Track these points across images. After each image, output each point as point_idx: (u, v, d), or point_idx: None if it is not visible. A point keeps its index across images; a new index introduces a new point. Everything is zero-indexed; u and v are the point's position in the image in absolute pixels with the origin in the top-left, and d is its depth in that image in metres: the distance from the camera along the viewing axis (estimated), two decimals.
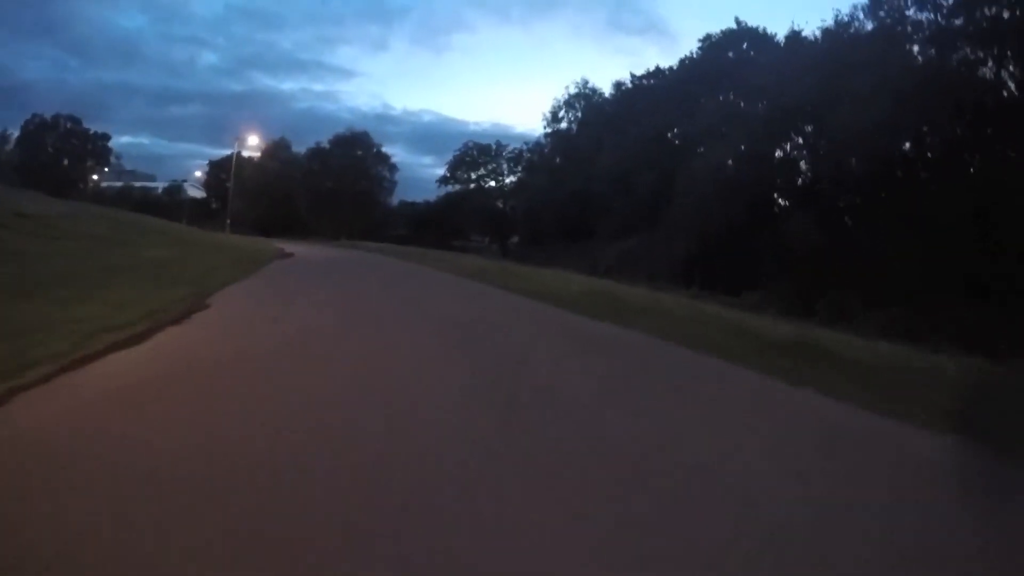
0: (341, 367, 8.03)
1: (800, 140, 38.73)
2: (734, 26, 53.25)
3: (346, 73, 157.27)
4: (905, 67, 31.52)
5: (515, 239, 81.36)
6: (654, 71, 62.10)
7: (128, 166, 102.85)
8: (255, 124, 70.38)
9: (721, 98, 49.39)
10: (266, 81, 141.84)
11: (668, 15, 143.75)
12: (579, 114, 73.32)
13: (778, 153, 40.34)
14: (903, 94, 29.35)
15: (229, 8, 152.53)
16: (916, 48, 33.39)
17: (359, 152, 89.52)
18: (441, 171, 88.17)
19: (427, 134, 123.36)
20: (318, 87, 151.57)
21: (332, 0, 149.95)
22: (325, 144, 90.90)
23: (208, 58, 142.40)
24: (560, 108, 74.59)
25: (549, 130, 75.86)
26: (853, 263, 29.12)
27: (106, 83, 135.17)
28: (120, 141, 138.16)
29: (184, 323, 10.35)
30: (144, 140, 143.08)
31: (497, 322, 13.50)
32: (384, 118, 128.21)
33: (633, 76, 64.17)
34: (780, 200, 39.69)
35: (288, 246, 43.99)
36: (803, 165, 39.58)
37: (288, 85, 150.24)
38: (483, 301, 18.16)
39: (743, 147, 39.72)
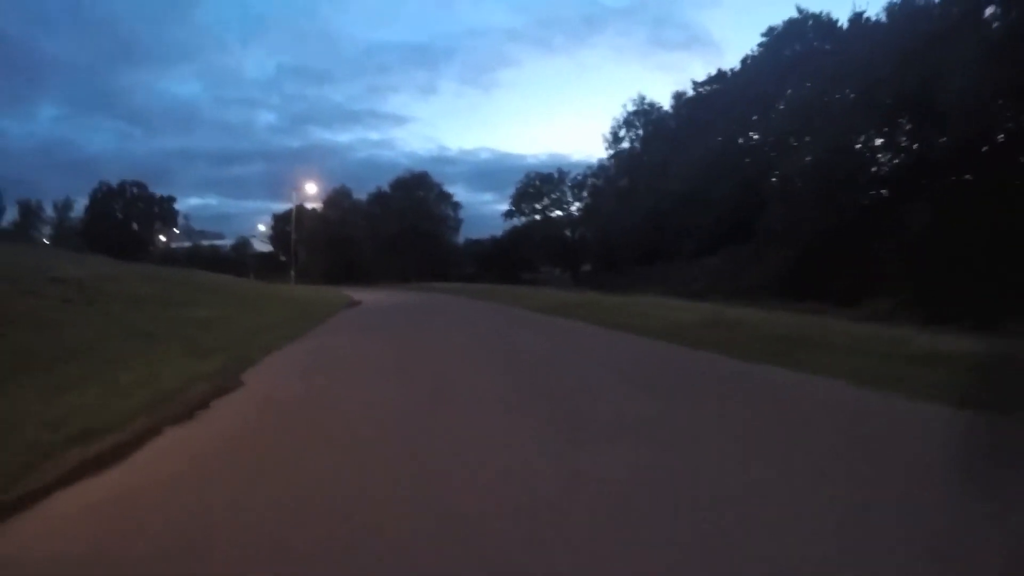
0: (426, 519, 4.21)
1: (902, 123, 34.23)
2: (795, 15, 49.21)
3: (399, 119, 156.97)
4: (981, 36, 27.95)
5: (586, 267, 77.68)
6: (716, 75, 58.20)
7: (197, 226, 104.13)
8: (315, 176, 69.20)
9: (791, 92, 45.75)
10: (323, 135, 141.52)
11: (710, 26, 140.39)
12: (640, 132, 69.37)
13: (878, 140, 36.10)
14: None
15: (280, 69, 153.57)
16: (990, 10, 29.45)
17: (420, 193, 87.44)
18: (503, 207, 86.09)
19: (485, 171, 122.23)
20: (373, 136, 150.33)
21: (378, 51, 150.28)
22: (386, 188, 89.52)
23: (265, 117, 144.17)
24: (620, 128, 70.85)
25: (611, 151, 72.22)
26: (983, 253, 25.32)
27: (169, 149, 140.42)
28: (188, 203, 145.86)
29: (194, 419, 7.40)
30: (211, 201, 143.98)
31: (627, 377, 10.16)
32: (441, 160, 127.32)
33: (695, 83, 60.21)
34: (884, 192, 35.03)
35: (356, 293, 41.83)
36: (904, 151, 35.02)
37: (344, 136, 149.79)
38: (587, 347, 14.77)
39: (834, 140, 35.83)
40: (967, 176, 30.32)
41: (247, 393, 9.07)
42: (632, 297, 29.59)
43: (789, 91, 46.06)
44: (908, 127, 33.48)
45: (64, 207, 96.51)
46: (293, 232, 65.42)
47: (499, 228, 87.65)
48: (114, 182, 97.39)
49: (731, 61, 58.37)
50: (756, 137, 50.02)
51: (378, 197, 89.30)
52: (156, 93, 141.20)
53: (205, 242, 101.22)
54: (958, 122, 28.19)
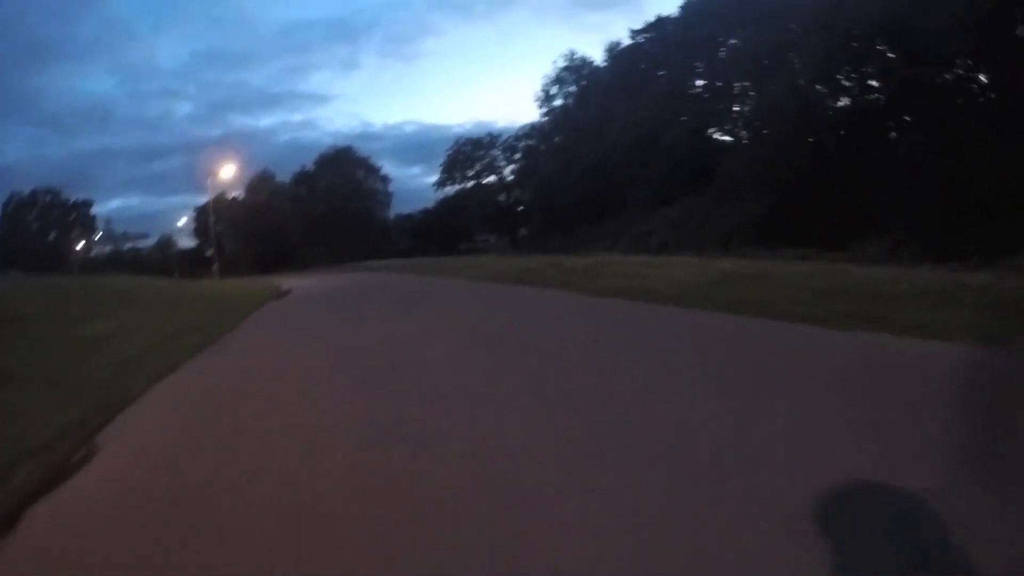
0: None
1: (880, 51, 31.59)
2: None
3: (321, 98, 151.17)
4: None
5: (523, 232, 74.34)
6: (655, 22, 54.13)
7: (121, 229, 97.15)
8: (235, 162, 63.78)
9: (742, 33, 42.42)
10: (244, 120, 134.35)
11: None
12: (572, 88, 66.00)
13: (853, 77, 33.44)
14: None
15: (194, 55, 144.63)
16: None
17: (346, 169, 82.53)
18: (432, 179, 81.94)
19: (412, 144, 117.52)
20: (296, 117, 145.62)
21: (296, 29, 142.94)
22: (310, 167, 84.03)
23: (182, 108, 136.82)
24: (552, 85, 67.39)
25: (544, 110, 68.54)
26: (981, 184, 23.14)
27: (86, 151, 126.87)
28: (110, 206, 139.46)
29: None
30: (134, 201, 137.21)
31: (734, 381, 6.59)
32: (366, 136, 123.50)
33: (632, 31, 56.33)
34: (864, 126, 32.34)
35: (286, 281, 37.62)
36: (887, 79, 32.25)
37: (266, 121, 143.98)
38: (599, 326, 11.38)
39: (802, 81, 33.31)
40: (959, 102, 28.08)
41: (92, 479, 5.43)
42: (594, 257, 26.54)
43: (738, 33, 42.90)
44: (889, 55, 30.91)
45: None
46: (212, 223, 60.79)
47: (430, 201, 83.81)
48: (30, 191, 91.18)
49: (653, 18, 54.79)
50: (703, 83, 47.02)
51: (302, 177, 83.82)
52: (68, 93, 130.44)
53: (128, 245, 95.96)
54: (944, 46, 26.04)
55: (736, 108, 43.32)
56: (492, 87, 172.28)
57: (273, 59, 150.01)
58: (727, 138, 44.56)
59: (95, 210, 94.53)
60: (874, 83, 31.94)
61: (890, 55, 30.37)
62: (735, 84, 42.67)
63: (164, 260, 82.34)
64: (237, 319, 18.34)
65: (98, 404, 7.88)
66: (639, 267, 19.35)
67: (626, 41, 57.99)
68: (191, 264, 78.36)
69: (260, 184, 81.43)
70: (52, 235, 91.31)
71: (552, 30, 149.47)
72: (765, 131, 35.23)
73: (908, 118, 29.96)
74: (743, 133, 42.03)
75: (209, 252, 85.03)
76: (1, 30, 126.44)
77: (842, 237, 25.09)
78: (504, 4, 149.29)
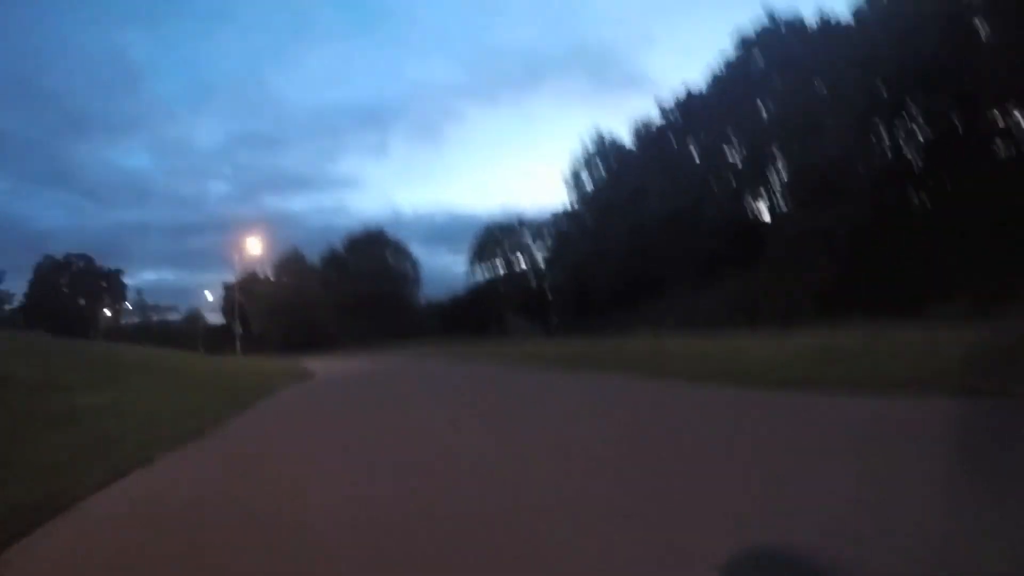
0: None
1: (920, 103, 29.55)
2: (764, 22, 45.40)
3: (351, 182, 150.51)
4: None
5: (554, 318, 71.17)
6: (684, 98, 53.03)
7: (151, 300, 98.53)
8: (265, 239, 62.58)
9: (782, 92, 40.88)
10: (276, 202, 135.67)
11: (647, 66, 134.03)
12: (601, 172, 64.80)
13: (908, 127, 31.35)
14: None
15: (229, 137, 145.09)
16: None
17: (377, 251, 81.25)
18: (459, 264, 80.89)
19: (440, 230, 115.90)
20: (327, 201, 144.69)
21: (327, 114, 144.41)
22: (340, 248, 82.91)
23: (217, 187, 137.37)
24: (580, 168, 66.61)
25: (573, 193, 67.68)
26: None
27: (122, 223, 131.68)
28: (142, 277, 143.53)
29: None
30: (167, 275, 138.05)
31: None
32: (396, 222, 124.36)
33: (663, 109, 55.37)
34: (912, 181, 30.04)
35: (313, 362, 35.42)
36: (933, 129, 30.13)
37: (297, 203, 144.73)
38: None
39: (841, 134, 31.28)
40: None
41: None
42: (644, 339, 24.19)
43: (770, 98, 41.77)
44: (929, 108, 28.90)
45: None
46: (236, 299, 58.87)
47: (457, 286, 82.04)
48: (64, 255, 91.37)
49: (671, 97, 53.98)
50: (739, 152, 45.24)
51: (332, 258, 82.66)
52: (107, 166, 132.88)
53: (157, 317, 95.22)
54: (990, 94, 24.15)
55: (773, 175, 41.38)
56: (517, 171, 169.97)
57: (305, 142, 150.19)
58: (764, 206, 42.61)
59: (127, 280, 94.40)
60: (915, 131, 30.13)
61: (929, 103, 28.51)
62: (770, 150, 40.92)
63: (191, 334, 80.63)
64: (243, 405, 15.31)
65: (22, 505, 5.45)
66: (711, 347, 16.83)
67: (654, 117, 57.17)
68: (217, 340, 75.64)
69: (289, 264, 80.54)
70: (82, 301, 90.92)
71: (574, 111, 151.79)
72: (807, 196, 32.93)
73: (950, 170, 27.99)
74: (780, 200, 39.96)
75: (238, 330, 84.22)
76: (46, 102, 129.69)
77: (918, 301, 22.58)
78: (526, 90, 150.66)
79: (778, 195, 41.92)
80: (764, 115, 42.69)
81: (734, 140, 45.57)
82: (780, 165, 41.01)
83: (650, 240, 46.49)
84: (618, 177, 58.72)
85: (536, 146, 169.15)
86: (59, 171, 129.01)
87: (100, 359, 23.93)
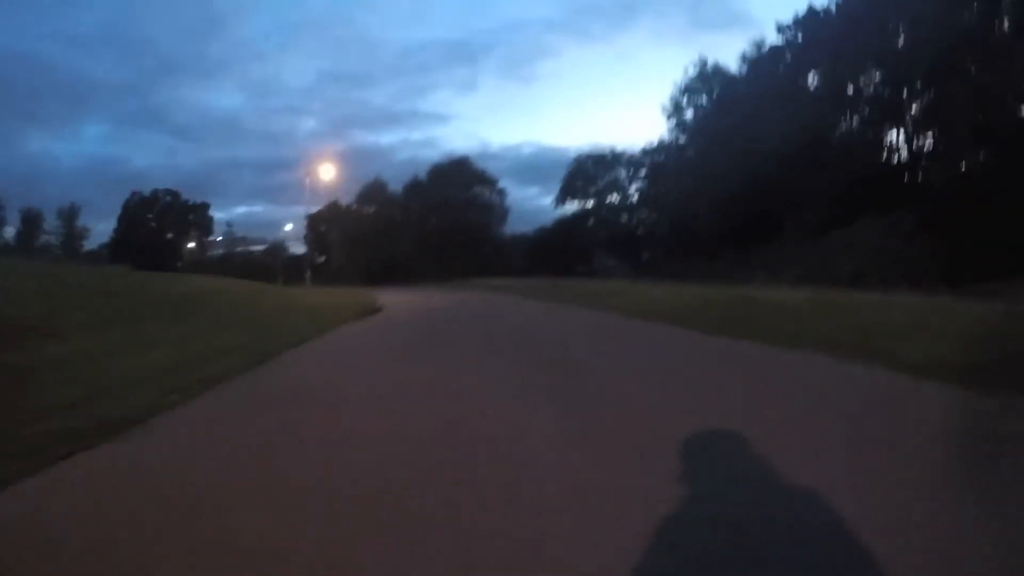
0: None
1: None
2: None
3: (440, 117, 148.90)
4: None
5: (646, 256, 65.75)
6: (806, 17, 45.77)
7: (241, 233, 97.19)
8: (353, 175, 59.32)
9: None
10: (365, 137, 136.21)
11: (748, 4, 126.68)
12: (703, 99, 57.92)
13: None
14: None
15: (320, 75, 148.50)
16: None
17: (462, 181, 75.77)
18: (549, 199, 74.83)
19: (529, 165, 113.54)
20: (416, 135, 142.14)
21: (416, 51, 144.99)
22: (422, 177, 77.77)
23: (306, 124, 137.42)
24: (682, 95, 59.09)
25: (673, 122, 60.35)
26: None
27: (215, 161, 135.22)
28: (236, 212, 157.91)
29: None
30: (258, 208, 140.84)
31: None
32: (484, 156, 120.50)
33: (782, 27, 48.10)
34: None
35: (385, 296, 31.76)
36: None
37: (387, 138, 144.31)
38: None
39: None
40: None
41: None
42: (775, 289, 18.71)
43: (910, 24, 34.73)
44: None
45: (69, 215, 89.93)
46: (312, 230, 55.18)
47: (546, 223, 76.65)
48: (151, 191, 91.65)
49: (771, 38, 47.07)
50: (877, 81, 38.38)
51: (415, 187, 77.35)
52: (199, 107, 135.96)
53: (241, 248, 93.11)
54: None
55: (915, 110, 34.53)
56: (609, 109, 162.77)
57: (394, 79, 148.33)
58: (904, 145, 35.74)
59: (219, 215, 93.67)
60: None
61: None
62: (911, 80, 34.21)
63: (273, 265, 77.90)
64: (288, 344, 12.64)
65: None
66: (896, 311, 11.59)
67: (770, 38, 50.49)
68: (298, 270, 72.83)
69: (372, 193, 76.69)
70: (169, 235, 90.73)
71: (670, 51, 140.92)
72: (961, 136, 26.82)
73: None
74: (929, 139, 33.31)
75: (320, 259, 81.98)
76: (139, 48, 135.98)
77: None
78: (621, 26, 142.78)
79: (926, 134, 35.17)
80: (901, 40, 35.93)
81: (867, 67, 38.81)
82: (924, 99, 34.13)
83: (765, 178, 40.36)
84: (725, 107, 51.58)
85: (630, 85, 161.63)
86: (152, 113, 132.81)
87: (152, 293, 20.39)
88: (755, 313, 13.05)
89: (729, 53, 69.24)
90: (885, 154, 36.75)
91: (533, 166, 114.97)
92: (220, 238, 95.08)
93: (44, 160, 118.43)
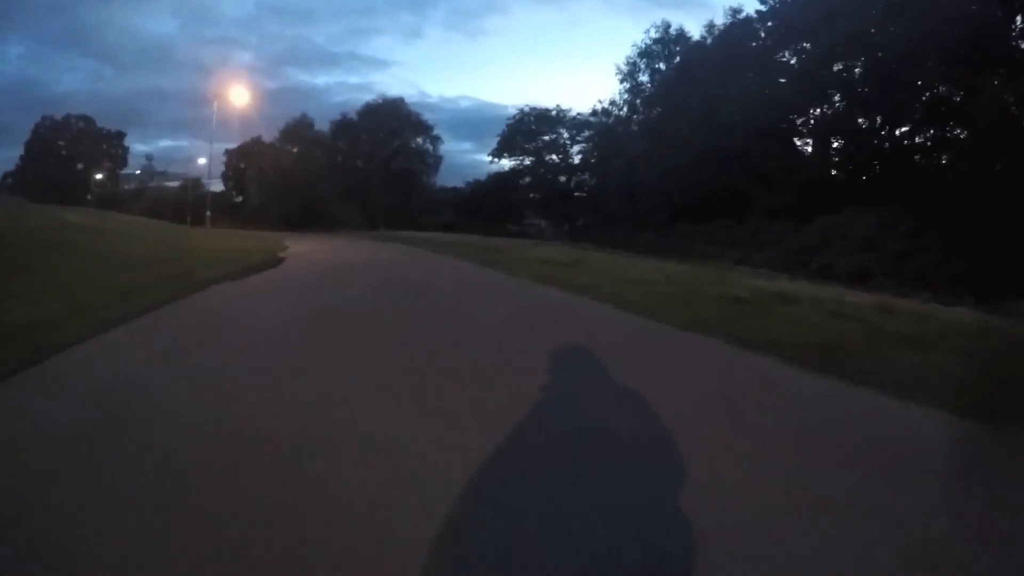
0: None
1: None
2: None
3: (380, 63, 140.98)
4: None
5: (580, 221, 62.50)
6: None
7: (161, 167, 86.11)
8: (248, 93, 52.46)
9: None
10: (301, 76, 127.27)
11: None
12: (661, 65, 53.93)
13: None
14: None
15: (260, 6, 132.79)
16: None
17: (394, 124, 68.52)
18: (482, 157, 69.66)
19: (466, 120, 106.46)
20: (353, 79, 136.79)
21: None
22: (352, 116, 70.12)
23: (241, 57, 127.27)
24: (639, 58, 55.25)
25: (626, 86, 56.30)
26: None
27: (142, 89, 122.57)
28: (160, 144, 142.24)
29: None
30: (184, 143, 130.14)
31: None
32: (420, 106, 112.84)
33: None
34: None
35: (299, 243, 27.80)
36: None
37: (323, 79, 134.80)
38: None
39: None
40: None
41: None
42: (765, 278, 14.65)
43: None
44: None
45: None
46: (224, 166, 49.27)
47: (479, 178, 71.21)
48: (63, 115, 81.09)
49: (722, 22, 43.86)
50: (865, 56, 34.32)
51: (343, 127, 69.88)
52: (129, 31, 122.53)
53: (154, 183, 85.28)
54: None
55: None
56: (554, 73, 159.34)
57: (337, 18, 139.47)
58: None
59: (141, 147, 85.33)
60: None
61: None
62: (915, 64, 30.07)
63: (188, 201, 71.74)
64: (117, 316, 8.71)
65: None
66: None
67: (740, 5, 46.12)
68: (215, 210, 66.92)
69: (297, 131, 69.29)
70: (80, 165, 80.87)
71: (621, 23, 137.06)
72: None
73: None
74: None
75: (238, 198, 75.52)
76: None
77: None
78: None
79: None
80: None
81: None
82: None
83: (730, 150, 36.47)
84: (688, 73, 46.80)
85: (577, 52, 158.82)
86: (78, 34, 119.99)
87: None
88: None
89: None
90: (875, 140, 32.90)
91: (470, 121, 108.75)
92: (138, 171, 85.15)
93: None
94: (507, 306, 10.76)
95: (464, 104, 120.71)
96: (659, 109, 49.24)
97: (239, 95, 43.72)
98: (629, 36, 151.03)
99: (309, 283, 14.41)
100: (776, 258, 25.47)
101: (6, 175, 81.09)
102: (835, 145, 35.52)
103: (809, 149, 37.69)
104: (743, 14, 45.36)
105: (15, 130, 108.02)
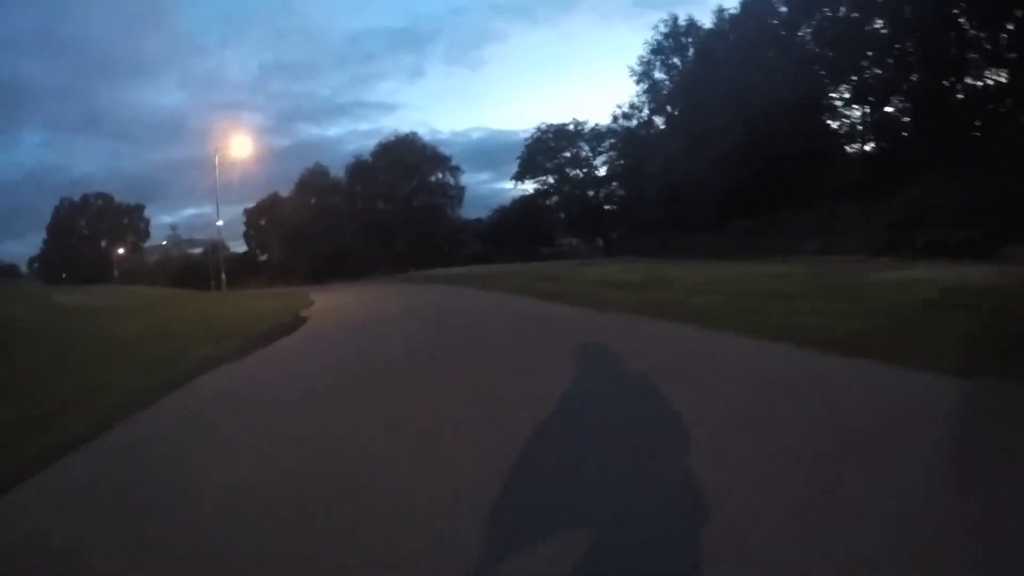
0: None
1: None
2: None
3: (388, 107, 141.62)
4: None
5: (614, 235, 58.96)
6: None
7: (187, 236, 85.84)
8: (247, 136, 49.62)
9: None
10: (312, 130, 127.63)
11: None
12: (676, 60, 49.79)
13: None
14: None
15: (263, 68, 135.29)
16: None
17: (410, 160, 65.26)
18: (501, 185, 66.60)
19: (479, 150, 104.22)
20: (363, 126, 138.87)
21: (361, 39, 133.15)
22: (367, 158, 67.33)
23: (252, 119, 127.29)
24: (653, 56, 50.68)
25: (642, 87, 51.86)
26: None
27: (159, 162, 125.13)
28: (184, 214, 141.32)
29: None
30: (207, 209, 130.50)
31: None
32: (433, 143, 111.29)
33: None
34: None
35: (323, 298, 24.79)
36: None
37: (333, 130, 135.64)
38: None
39: None
40: None
41: None
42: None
43: None
44: None
45: None
46: (244, 226, 46.40)
47: (503, 205, 68.18)
48: (81, 196, 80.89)
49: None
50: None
51: (359, 170, 66.80)
52: (140, 107, 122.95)
53: (178, 252, 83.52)
54: None
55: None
56: (558, 91, 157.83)
57: (339, 69, 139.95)
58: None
59: (166, 218, 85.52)
60: None
61: None
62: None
63: (212, 266, 69.42)
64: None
65: None
66: None
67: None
68: (239, 271, 64.54)
69: (312, 181, 67.09)
70: (102, 242, 79.95)
71: (616, 31, 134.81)
72: None
73: None
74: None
75: (262, 257, 73.61)
76: (74, 47, 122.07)
77: None
78: (566, 7, 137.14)
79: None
80: None
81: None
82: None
83: (770, 131, 32.67)
84: (709, 61, 42.99)
85: (578, 66, 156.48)
86: (92, 117, 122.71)
87: None
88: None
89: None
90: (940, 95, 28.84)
91: (484, 151, 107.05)
92: (164, 242, 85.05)
93: None
94: (644, 363, 7.00)
95: (476, 135, 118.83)
96: (683, 104, 45.17)
97: (243, 148, 40.10)
98: (627, 42, 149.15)
99: (332, 355, 10.83)
100: (869, 241, 21.60)
101: (32, 259, 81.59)
102: (889, 110, 31.56)
103: (857, 120, 33.96)
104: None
105: (39, 216, 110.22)
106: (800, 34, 36.79)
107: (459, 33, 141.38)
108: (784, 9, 38.76)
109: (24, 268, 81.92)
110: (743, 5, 42.96)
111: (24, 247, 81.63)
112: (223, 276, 35.87)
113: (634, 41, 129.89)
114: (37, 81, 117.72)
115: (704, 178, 37.00)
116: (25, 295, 22.18)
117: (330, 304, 21.61)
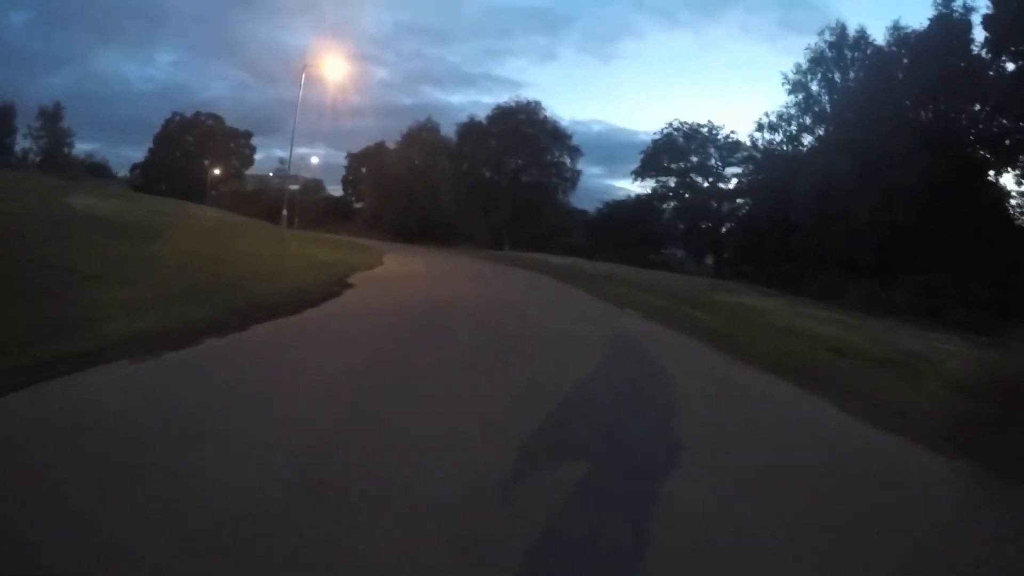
0: None
1: None
2: None
3: (513, 84, 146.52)
4: None
5: (726, 254, 53.33)
6: None
7: (294, 171, 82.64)
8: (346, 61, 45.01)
9: None
10: (436, 95, 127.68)
11: (844, 12, 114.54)
12: (835, 76, 43.41)
13: None
14: None
15: (398, 26, 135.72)
16: None
17: (527, 131, 58.67)
18: (613, 182, 60.90)
19: (596, 144, 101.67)
20: (486, 99, 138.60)
21: (499, 13, 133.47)
22: (481, 120, 61.04)
23: (378, 73, 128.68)
24: (811, 65, 44.33)
25: (795, 97, 45.46)
26: None
27: (282, 100, 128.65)
28: (298, 151, 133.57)
29: None
30: (320, 151, 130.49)
31: None
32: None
33: None
34: None
35: (395, 261, 21.21)
36: None
37: (457, 98, 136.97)
38: None
39: None
40: None
41: None
42: None
43: None
44: None
45: (52, 115, 69.99)
46: (345, 171, 42.01)
47: (616, 198, 63.07)
48: (193, 113, 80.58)
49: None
50: None
51: (471, 131, 60.27)
52: (271, 44, 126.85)
53: (291, 186, 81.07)
54: None
55: None
56: (687, 99, 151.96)
57: (472, 39, 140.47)
58: None
59: (279, 152, 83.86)
60: None
61: None
62: None
63: (306, 205, 66.04)
64: None
65: None
66: None
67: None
68: (331, 214, 65.90)
69: (420, 135, 62.49)
70: (205, 161, 78.13)
71: (756, 49, 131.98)
72: None
73: None
74: None
75: (357, 204, 71.06)
76: None
77: None
78: (710, 15, 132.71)
79: None
80: None
81: None
82: None
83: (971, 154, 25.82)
84: (885, 85, 36.45)
85: (710, 77, 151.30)
86: (225, 47, 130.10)
87: None
88: None
89: None
90: None
91: (601, 145, 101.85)
92: (271, 173, 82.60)
93: (114, 81, 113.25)
94: None
95: (595, 128, 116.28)
96: (851, 122, 37.80)
97: (363, 97, 35.27)
98: (765, 62, 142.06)
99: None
100: None
101: (134, 166, 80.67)
102: None
103: None
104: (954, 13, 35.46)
105: (155, 130, 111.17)
106: (1005, 63, 30.23)
107: (597, 23, 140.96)
108: (984, 35, 31.87)
109: (127, 173, 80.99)
110: (932, 21, 36.45)
111: (138, 155, 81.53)
112: (284, 213, 31.50)
113: (773, 62, 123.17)
114: (177, 4, 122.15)
115: (869, 213, 30.26)
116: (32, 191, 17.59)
117: (396, 272, 16.87)
